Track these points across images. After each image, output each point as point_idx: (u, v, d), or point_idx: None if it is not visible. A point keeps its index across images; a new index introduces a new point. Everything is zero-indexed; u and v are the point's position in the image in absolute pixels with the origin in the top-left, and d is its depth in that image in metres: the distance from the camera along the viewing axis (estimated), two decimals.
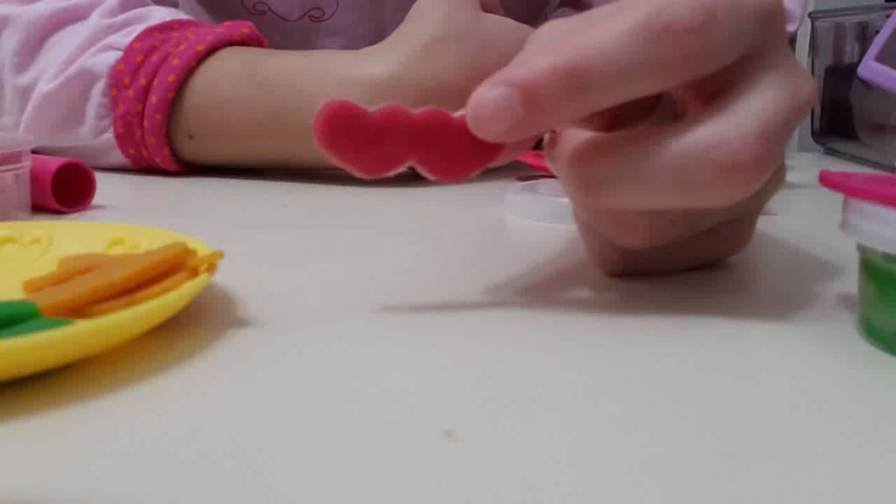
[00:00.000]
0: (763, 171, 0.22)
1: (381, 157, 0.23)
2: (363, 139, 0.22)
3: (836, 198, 0.23)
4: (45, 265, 0.26)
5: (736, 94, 0.22)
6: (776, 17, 0.23)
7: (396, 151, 0.23)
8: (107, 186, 0.45)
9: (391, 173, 0.23)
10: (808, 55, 0.80)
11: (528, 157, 0.48)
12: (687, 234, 0.26)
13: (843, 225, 0.22)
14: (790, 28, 0.58)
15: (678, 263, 0.28)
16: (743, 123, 0.22)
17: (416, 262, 0.31)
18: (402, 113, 0.23)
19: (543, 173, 0.48)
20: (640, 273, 0.28)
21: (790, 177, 0.58)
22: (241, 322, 0.24)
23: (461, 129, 0.23)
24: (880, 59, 0.45)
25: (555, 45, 0.22)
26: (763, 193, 0.26)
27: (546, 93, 0.21)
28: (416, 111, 0.23)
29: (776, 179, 0.27)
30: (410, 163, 0.23)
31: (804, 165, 0.66)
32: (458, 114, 0.23)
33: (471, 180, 0.50)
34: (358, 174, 0.23)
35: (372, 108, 0.23)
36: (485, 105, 0.21)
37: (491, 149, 0.23)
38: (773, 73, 0.23)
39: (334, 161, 0.23)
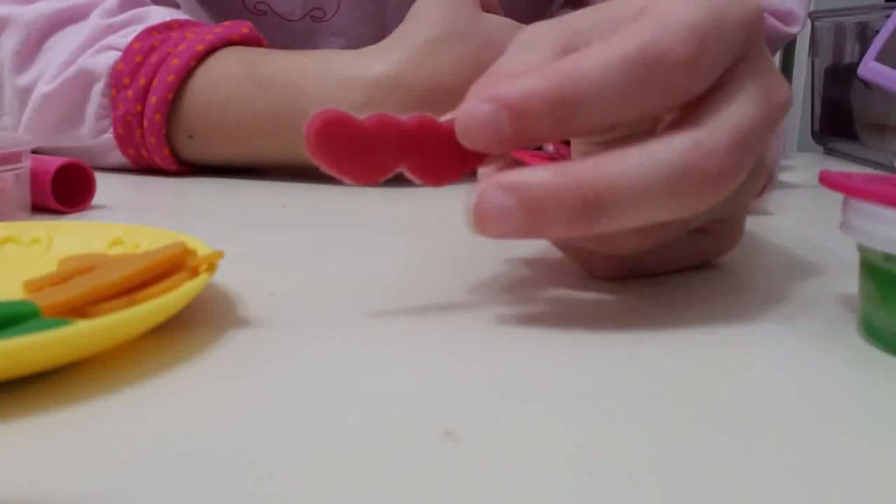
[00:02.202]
0: (735, 178, 0.22)
1: (371, 165, 0.23)
2: (354, 148, 0.23)
3: (836, 198, 0.23)
4: (45, 265, 0.26)
5: (711, 103, 0.23)
6: (757, 24, 0.24)
7: (387, 159, 0.23)
8: (107, 186, 0.45)
9: (381, 180, 0.23)
10: (808, 55, 0.80)
11: (527, 157, 0.48)
12: (679, 233, 0.26)
13: (843, 225, 0.22)
14: (793, 29, 0.58)
15: (671, 264, 0.28)
16: (718, 133, 0.22)
17: (416, 262, 0.31)
18: (393, 121, 0.23)
19: None
20: (635, 276, 0.28)
21: (790, 177, 0.58)
22: (241, 322, 0.24)
23: (449, 135, 0.23)
24: (880, 59, 0.45)
25: (546, 64, 0.22)
26: (746, 192, 0.27)
27: (533, 116, 0.21)
28: (406, 118, 0.23)
29: (755, 178, 0.27)
30: (400, 169, 0.24)
31: (804, 165, 0.66)
32: (444, 118, 0.24)
33: (471, 180, 0.50)
34: (348, 182, 0.23)
35: (362, 117, 0.23)
36: (474, 119, 0.22)
37: (478, 155, 0.23)
38: (750, 79, 0.23)
39: (325, 170, 0.23)
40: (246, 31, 0.52)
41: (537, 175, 0.21)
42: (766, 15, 0.56)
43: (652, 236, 0.25)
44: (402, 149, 0.23)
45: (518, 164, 0.25)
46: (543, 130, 0.22)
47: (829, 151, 0.77)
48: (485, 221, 0.21)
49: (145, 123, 0.49)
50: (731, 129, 0.22)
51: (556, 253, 0.32)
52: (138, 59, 0.49)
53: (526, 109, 0.21)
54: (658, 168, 0.22)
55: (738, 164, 0.22)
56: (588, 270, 0.28)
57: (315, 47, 0.65)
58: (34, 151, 0.40)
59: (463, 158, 0.24)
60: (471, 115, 0.22)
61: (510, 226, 0.21)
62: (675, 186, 0.22)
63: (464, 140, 0.22)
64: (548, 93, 0.21)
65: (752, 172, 0.26)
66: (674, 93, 0.22)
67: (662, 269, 0.28)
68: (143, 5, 0.55)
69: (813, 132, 0.79)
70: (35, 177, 0.39)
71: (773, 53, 0.62)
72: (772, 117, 0.23)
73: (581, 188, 0.21)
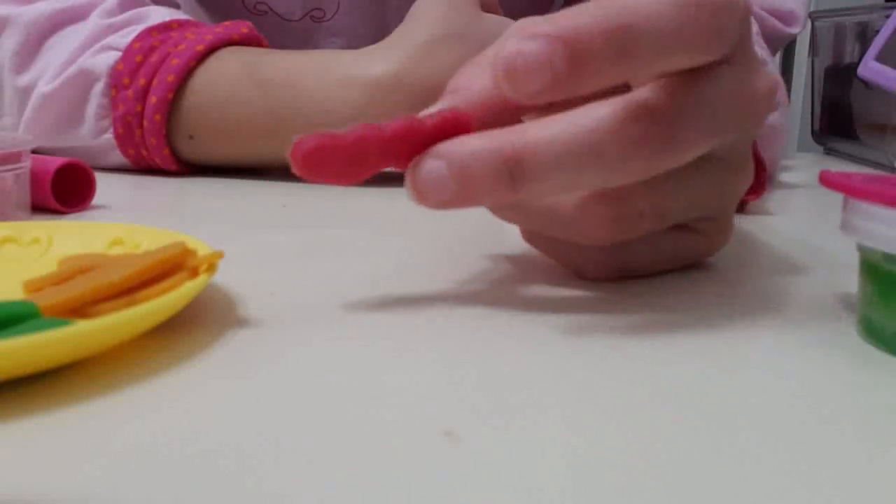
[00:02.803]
0: (662, 146, 0.22)
1: (356, 172, 0.23)
2: (340, 164, 0.23)
3: (836, 198, 0.23)
4: (45, 265, 0.26)
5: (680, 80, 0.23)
6: (748, 18, 0.24)
7: (371, 165, 0.24)
8: (107, 186, 0.45)
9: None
10: (808, 55, 0.80)
11: None
12: (655, 227, 0.26)
13: (843, 225, 0.22)
14: (794, 30, 0.58)
15: (662, 264, 0.28)
16: (650, 100, 0.22)
17: (415, 262, 0.31)
18: (375, 133, 0.23)
19: None
20: (626, 277, 0.28)
21: (790, 177, 0.58)
22: (241, 322, 0.24)
23: (434, 133, 0.23)
24: (880, 59, 0.45)
25: (594, 4, 0.21)
26: (731, 189, 0.27)
27: (593, 51, 0.20)
28: (388, 125, 0.23)
29: (744, 176, 0.27)
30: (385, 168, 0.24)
31: (804, 165, 0.66)
32: (425, 112, 0.24)
33: None
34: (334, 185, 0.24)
35: (343, 130, 0.23)
36: (522, 58, 0.20)
37: None
38: (725, 68, 0.23)
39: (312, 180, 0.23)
40: (246, 31, 0.52)
41: (465, 140, 0.22)
42: (766, 15, 0.56)
43: (624, 227, 0.25)
44: (386, 154, 0.23)
45: None
46: (600, 68, 0.20)
47: (829, 151, 0.77)
48: (422, 190, 0.22)
49: (145, 123, 0.49)
50: (667, 98, 0.22)
51: None
52: (138, 59, 0.49)
53: (585, 43, 0.20)
54: (580, 130, 0.21)
55: (665, 133, 0.22)
56: (578, 272, 0.28)
57: (315, 47, 0.65)
58: (34, 151, 0.40)
59: None
60: (517, 52, 0.20)
61: (444, 193, 0.22)
62: (596, 147, 0.21)
63: (508, 85, 0.20)
64: (608, 24, 0.20)
65: (738, 169, 0.26)
66: (713, 38, 0.22)
67: (653, 268, 0.28)
68: (143, 5, 0.55)
69: (813, 132, 0.79)
70: (35, 177, 0.39)
71: (774, 54, 0.62)
72: (746, 109, 0.24)
73: (503, 149, 0.21)
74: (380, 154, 0.23)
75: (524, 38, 0.20)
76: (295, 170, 0.22)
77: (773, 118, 0.48)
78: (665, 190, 0.24)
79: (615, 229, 0.25)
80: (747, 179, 0.27)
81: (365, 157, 0.23)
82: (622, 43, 0.20)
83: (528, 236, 0.29)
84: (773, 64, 0.53)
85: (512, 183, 0.22)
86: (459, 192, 0.22)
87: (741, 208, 0.41)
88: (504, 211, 0.26)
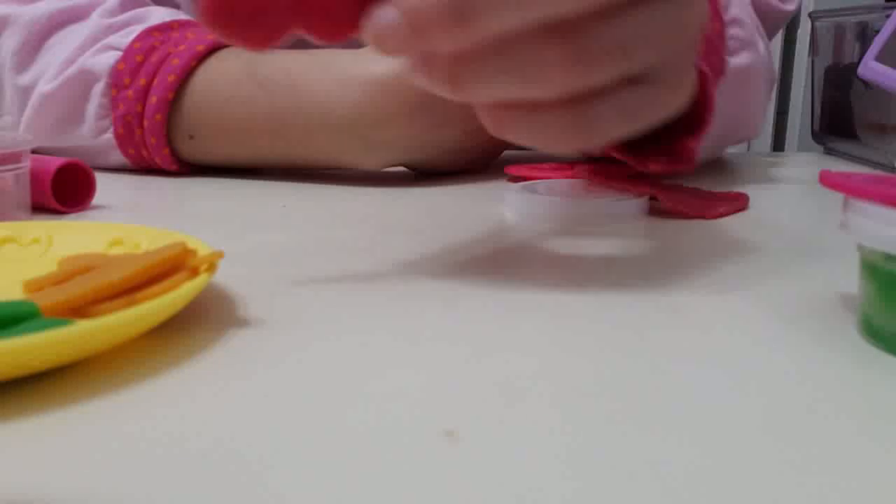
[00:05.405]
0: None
1: (266, 29, 0.24)
2: (247, 14, 0.24)
3: (836, 198, 0.23)
4: (45, 265, 0.26)
5: None
6: None
7: (281, 21, 0.24)
8: (107, 186, 0.45)
9: (277, 44, 0.24)
10: (808, 55, 0.80)
11: (523, 171, 0.49)
12: (619, 67, 0.25)
13: (843, 225, 0.22)
14: (789, 6, 0.58)
15: (628, 122, 0.27)
16: None
17: (415, 263, 0.31)
18: None
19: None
20: (595, 143, 0.27)
21: (790, 177, 0.58)
22: (241, 322, 0.24)
23: None
24: (880, 59, 0.45)
25: None
26: (687, 29, 0.27)
27: (429, 20, 0.23)
28: None
29: (699, 10, 0.27)
30: (295, 30, 0.25)
31: (804, 165, 0.66)
32: None
33: (471, 181, 0.50)
34: (247, 48, 0.24)
35: None
36: (378, 24, 0.23)
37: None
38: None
39: (221, 38, 0.24)
40: None
41: None
42: None
43: (587, 65, 0.24)
44: (295, 9, 0.24)
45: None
46: (439, 33, 0.23)
47: (829, 151, 0.77)
48: (378, 37, 0.23)
49: (145, 123, 0.49)
50: None
51: (555, 254, 0.32)
52: (139, 58, 0.49)
53: (422, 14, 0.23)
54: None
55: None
56: (546, 146, 0.27)
57: (317, 47, 0.65)
58: (34, 151, 0.40)
59: (355, 14, 0.24)
60: (376, 20, 0.23)
61: (398, 37, 0.23)
62: None
63: (372, 45, 0.24)
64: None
65: (691, 2, 0.26)
66: None
67: (620, 129, 0.27)
68: (144, 5, 0.55)
69: (813, 132, 0.79)
70: (35, 177, 0.39)
71: (773, 32, 0.62)
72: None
73: None
74: (289, 6, 0.24)
75: (384, 6, 0.23)
76: (203, 17, 0.23)
77: (741, 59, 0.48)
78: (623, 24, 0.24)
79: (578, 69, 0.24)
80: (702, 17, 0.27)
81: (273, 8, 0.24)
82: (459, 12, 0.23)
83: (496, 124, 0.28)
84: (764, 44, 0.54)
85: (462, 21, 0.23)
86: (413, 34, 0.23)
87: (739, 207, 0.41)
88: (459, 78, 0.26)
